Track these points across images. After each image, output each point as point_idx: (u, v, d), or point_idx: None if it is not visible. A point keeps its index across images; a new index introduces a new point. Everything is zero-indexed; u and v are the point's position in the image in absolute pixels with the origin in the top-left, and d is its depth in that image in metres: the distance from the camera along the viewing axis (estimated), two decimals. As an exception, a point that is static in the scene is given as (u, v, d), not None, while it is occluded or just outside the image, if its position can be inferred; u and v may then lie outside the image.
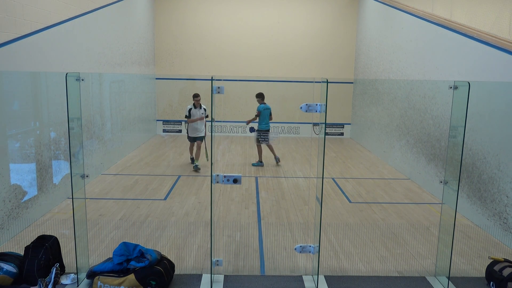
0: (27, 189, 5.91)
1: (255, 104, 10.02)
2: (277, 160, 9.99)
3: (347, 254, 5.26)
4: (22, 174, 5.90)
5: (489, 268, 4.57)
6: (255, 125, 10.01)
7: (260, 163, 9.87)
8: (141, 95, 12.55)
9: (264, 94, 9.98)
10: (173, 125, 14.26)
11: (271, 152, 10.09)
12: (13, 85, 5.78)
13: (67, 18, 7.35)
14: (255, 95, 9.94)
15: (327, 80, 4.15)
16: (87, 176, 4.47)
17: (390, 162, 10.30)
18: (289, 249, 5.31)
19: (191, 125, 9.49)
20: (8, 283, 4.20)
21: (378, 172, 9.58)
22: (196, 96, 9.47)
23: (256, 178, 8.76)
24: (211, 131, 4.39)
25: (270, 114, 9.94)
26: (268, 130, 9.91)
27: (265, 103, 9.86)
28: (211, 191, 4.35)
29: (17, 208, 5.65)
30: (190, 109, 9.38)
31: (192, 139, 9.65)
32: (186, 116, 9.49)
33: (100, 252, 5.11)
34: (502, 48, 6.02)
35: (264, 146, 10.09)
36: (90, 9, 8.36)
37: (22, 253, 4.50)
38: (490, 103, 6.19)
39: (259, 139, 9.91)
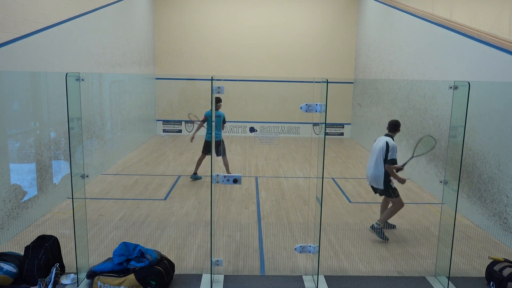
0: (27, 189, 5.91)
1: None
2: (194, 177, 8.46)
3: (347, 254, 5.26)
4: (22, 174, 5.90)
5: (489, 268, 4.57)
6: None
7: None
8: (141, 95, 12.55)
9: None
10: (173, 125, 14.26)
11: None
12: (13, 85, 5.78)
13: (67, 18, 7.35)
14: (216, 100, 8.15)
15: (327, 80, 4.15)
16: (87, 176, 4.47)
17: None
18: (289, 249, 5.31)
19: None
20: (8, 283, 4.20)
21: (378, 172, 9.56)
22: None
23: (256, 178, 8.76)
24: (211, 131, 4.39)
25: (223, 122, 8.37)
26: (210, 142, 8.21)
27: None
28: (211, 191, 4.35)
29: (17, 208, 5.65)
30: None
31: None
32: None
33: (100, 252, 5.11)
34: (502, 48, 6.02)
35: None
36: (90, 9, 8.36)
37: (22, 253, 4.49)
38: (490, 103, 6.18)
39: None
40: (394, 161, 5.63)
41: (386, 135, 5.92)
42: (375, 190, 5.91)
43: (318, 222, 4.44)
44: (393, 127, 5.89)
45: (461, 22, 7.47)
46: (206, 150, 8.48)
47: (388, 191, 5.72)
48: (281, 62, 14.31)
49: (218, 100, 8.20)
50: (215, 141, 8.22)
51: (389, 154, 5.65)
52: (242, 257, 5.09)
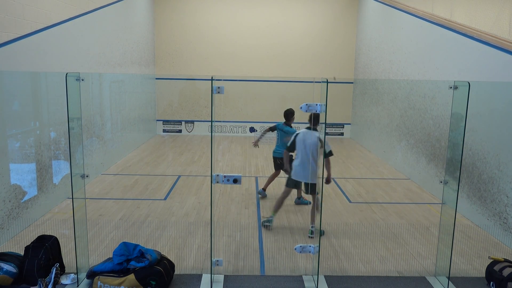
0: (27, 189, 5.91)
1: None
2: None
3: (347, 254, 5.26)
4: (22, 174, 5.90)
5: (489, 268, 4.57)
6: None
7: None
8: (141, 95, 12.55)
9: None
10: (173, 125, 14.27)
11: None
12: (13, 85, 5.78)
13: (67, 18, 7.35)
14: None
15: (327, 80, 4.15)
16: (87, 176, 4.47)
17: (390, 162, 10.29)
18: (289, 249, 5.31)
19: None
20: (8, 283, 4.20)
21: (378, 172, 9.58)
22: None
23: (256, 178, 8.77)
24: (211, 131, 4.39)
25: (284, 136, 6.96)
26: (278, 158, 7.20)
27: (285, 124, 7.03)
28: (211, 191, 4.35)
29: (17, 208, 5.65)
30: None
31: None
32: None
33: (100, 252, 5.11)
34: (502, 48, 6.02)
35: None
36: (90, 9, 8.36)
37: (22, 253, 4.50)
38: (490, 103, 6.18)
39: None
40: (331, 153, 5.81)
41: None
42: (307, 187, 5.76)
43: (318, 222, 4.44)
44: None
45: (461, 22, 7.47)
46: (277, 166, 7.29)
47: (316, 186, 5.56)
48: (281, 62, 14.30)
49: (290, 114, 6.94)
50: (280, 158, 7.05)
51: (327, 147, 5.58)
52: (242, 257, 5.09)
